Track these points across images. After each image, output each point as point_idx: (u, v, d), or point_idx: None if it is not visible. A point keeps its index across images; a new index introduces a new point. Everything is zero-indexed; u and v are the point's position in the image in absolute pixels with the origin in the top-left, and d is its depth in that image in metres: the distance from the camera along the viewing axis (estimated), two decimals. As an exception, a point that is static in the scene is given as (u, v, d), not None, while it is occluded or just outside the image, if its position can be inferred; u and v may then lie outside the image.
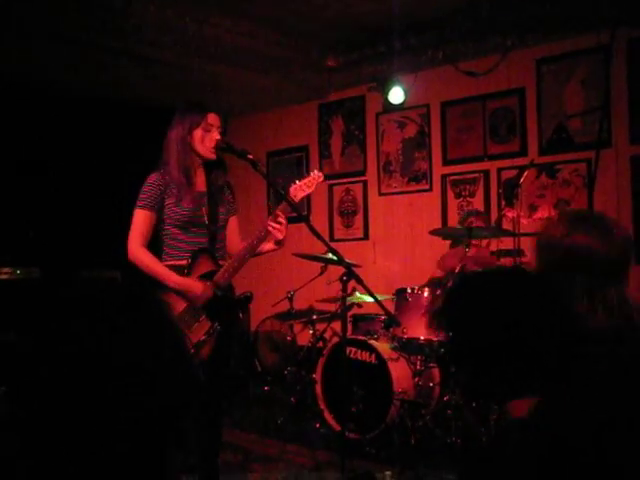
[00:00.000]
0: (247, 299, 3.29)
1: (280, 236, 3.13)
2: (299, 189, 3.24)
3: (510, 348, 1.32)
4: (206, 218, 3.14)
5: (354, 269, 3.37)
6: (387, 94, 6.09)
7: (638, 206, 5.10)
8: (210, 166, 3.22)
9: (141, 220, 3.07)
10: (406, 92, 6.04)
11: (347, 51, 5.87)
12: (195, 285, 3.04)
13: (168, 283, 3.00)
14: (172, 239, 3.11)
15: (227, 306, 3.18)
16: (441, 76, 6.00)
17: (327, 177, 6.91)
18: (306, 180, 3.28)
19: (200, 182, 3.18)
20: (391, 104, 6.14)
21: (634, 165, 5.12)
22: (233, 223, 3.34)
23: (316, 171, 3.34)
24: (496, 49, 5.30)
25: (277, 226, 3.11)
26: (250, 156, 3.05)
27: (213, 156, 3.14)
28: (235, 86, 6.37)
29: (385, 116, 6.54)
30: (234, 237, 3.35)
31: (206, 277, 3.09)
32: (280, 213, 3.12)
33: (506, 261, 4.86)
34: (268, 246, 3.22)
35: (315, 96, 6.88)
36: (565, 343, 1.33)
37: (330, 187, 6.91)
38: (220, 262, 3.16)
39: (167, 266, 3.07)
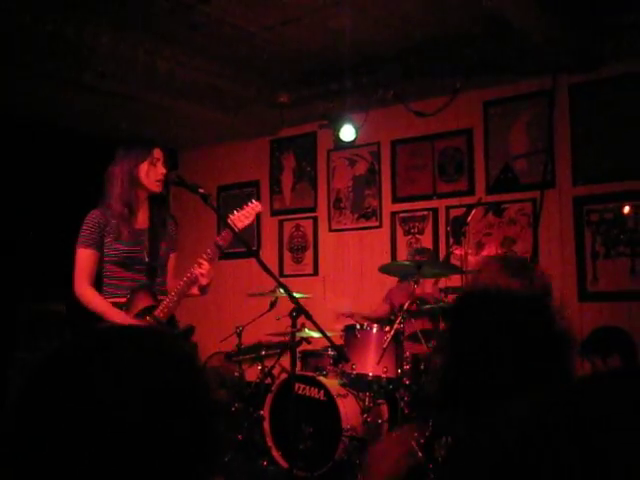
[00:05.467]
0: (188, 331, 3.24)
1: (204, 282, 3.11)
2: (237, 219, 3.25)
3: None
4: (146, 255, 3.12)
5: (303, 303, 3.36)
6: (338, 131, 6.11)
7: (580, 244, 5.25)
8: (153, 201, 3.21)
9: (84, 258, 3.06)
10: (357, 130, 6.08)
11: (299, 88, 5.92)
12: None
13: (112, 321, 2.96)
14: (111, 277, 3.10)
15: None
16: (391, 115, 6.10)
17: (277, 213, 6.98)
18: (244, 211, 3.28)
19: (142, 219, 3.18)
20: (342, 141, 6.16)
21: (576, 205, 5.28)
22: (171, 261, 3.32)
23: (254, 200, 3.37)
24: (445, 90, 5.42)
25: (202, 272, 3.08)
26: (201, 190, 3.06)
27: (159, 189, 3.15)
28: (187, 120, 6.35)
29: (336, 153, 6.61)
30: (169, 275, 3.32)
31: (145, 312, 3.06)
32: (202, 261, 3.09)
33: (453, 298, 4.91)
34: (193, 291, 3.19)
35: (267, 132, 6.91)
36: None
37: (280, 223, 6.91)
38: (159, 297, 3.13)
39: None
